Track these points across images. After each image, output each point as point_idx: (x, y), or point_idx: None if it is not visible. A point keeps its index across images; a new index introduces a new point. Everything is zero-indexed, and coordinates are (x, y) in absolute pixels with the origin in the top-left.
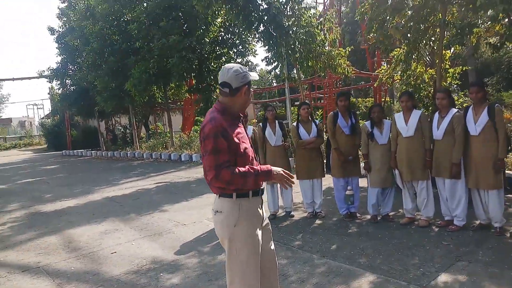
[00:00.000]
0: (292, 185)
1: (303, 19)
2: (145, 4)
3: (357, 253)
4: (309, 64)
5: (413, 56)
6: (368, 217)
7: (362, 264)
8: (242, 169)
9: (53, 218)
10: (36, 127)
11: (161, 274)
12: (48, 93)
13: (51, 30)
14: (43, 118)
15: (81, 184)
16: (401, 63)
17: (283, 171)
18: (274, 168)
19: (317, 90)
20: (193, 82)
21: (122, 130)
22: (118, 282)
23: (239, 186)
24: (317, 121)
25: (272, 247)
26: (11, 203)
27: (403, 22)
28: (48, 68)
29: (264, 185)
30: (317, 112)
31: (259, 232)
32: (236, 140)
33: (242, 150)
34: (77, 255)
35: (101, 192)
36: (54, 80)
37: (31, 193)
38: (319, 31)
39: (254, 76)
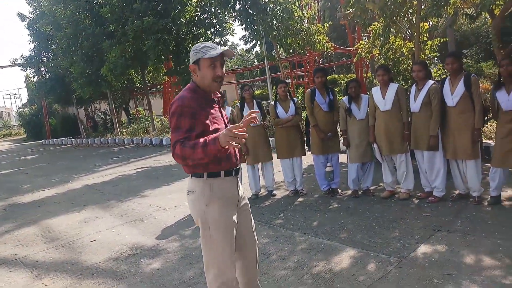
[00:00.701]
0: (243, 141)
1: None
2: None
3: (338, 229)
4: (288, 41)
5: (391, 30)
6: (349, 192)
7: (343, 239)
8: (191, 142)
9: (30, 209)
10: (14, 117)
11: (142, 260)
12: (24, 82)
13: (21, 17)
14: (20, 107)
15: (60, 173)
16: (379, 37)
17: (228, 129)
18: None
19: (298, 68)
20: (171, 64)
21: (102, 116)
22: (98, 270)
23: (191, 160)
24: (296, 99)
25: (252, 228)
26: None
27: None
28: (21, 56)
29: (240, 165)
30: (299, 90)
31: (234, 213)
32: (207, 121)
33: (211, 130)
34: (56, 245)
35: (81, 180)
36: (28, 68)
37: (8, 184)
38: (296, 8)
39: (212, 53)
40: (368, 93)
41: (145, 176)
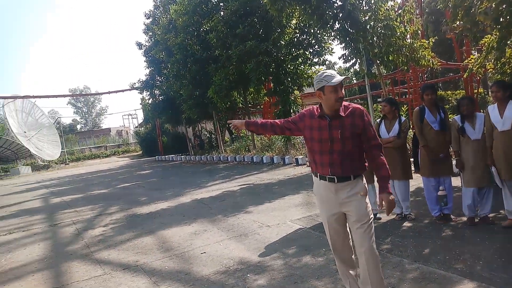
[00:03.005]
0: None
1: (380, 13)
2: (221, 13)
3: (453, 258)
4: (390, 58)
5: (508, 42)
6: (464, 219)
7: (459, 270)
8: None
9: (148, 220)
10: (131, 135)
11: (248, 275)
12: (140, 104)
13: (139, 45)
14: (137, 126)
15: (172, 187)
16: (493, 51)
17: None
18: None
19: (400, 85)
20: (271, 85)
21: (207, 135)
22: (208, 281)
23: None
24: (404, 118)
25: (358, 239)
26: (111, 206)
27: (493, 6)
28: (138, 80)
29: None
30: (402, 108)
31: (330, 214)
32: (301, 126)
33: (306, 136)
34: (170, 255)
35: (190, 194)
36: (144, 91)
37: (128, 196)
38: (398, 24)
39: (333, 81)
40: (482, 111)
41: (248, 192)
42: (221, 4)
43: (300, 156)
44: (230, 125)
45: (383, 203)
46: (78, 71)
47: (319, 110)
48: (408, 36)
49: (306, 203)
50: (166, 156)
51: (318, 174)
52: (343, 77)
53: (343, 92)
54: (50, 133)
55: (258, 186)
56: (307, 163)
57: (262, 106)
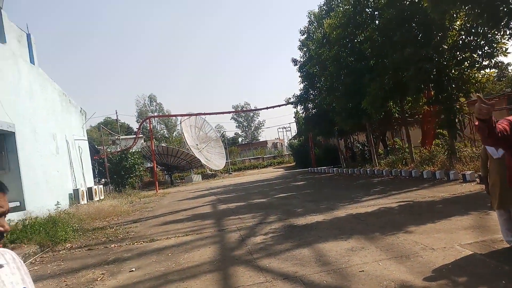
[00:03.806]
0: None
1: None
2: (376, 22)
3: None
4: None
5: None
6: None
7: None
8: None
9: (304, 231)
10: (285, 147)
11: None
12: (294, 117)
13: (294, 61)
14: (290, 139)
15: (326, 200)
16: None
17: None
18: None
19: None
20: (432, 93)
21: (360, 147)
22: None
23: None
24: None
25: None
26: (270, 215)
27: None
28: (293, 95)
29: None
30: None
31: None
32: None
33: None
34: (328, 270)
35: (345, 208)
36: (298, 105)
37: (285, 207)
38: None
39: None
40: None
41: (408, 210)
42: (375, 13)
43: (468, 172)
44: (483, 106)
45: None
46: (239, 89)
47: None
48: None
49: (478, 226)
50: (318, 168)
51: None
52: None
53: None
54: (216, 146)
55: (418, 204)
56: (477, 179)
57: (420, 116)
